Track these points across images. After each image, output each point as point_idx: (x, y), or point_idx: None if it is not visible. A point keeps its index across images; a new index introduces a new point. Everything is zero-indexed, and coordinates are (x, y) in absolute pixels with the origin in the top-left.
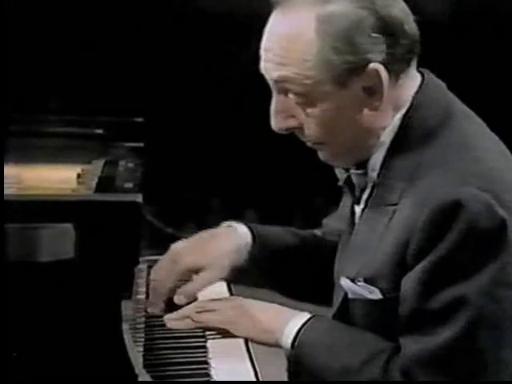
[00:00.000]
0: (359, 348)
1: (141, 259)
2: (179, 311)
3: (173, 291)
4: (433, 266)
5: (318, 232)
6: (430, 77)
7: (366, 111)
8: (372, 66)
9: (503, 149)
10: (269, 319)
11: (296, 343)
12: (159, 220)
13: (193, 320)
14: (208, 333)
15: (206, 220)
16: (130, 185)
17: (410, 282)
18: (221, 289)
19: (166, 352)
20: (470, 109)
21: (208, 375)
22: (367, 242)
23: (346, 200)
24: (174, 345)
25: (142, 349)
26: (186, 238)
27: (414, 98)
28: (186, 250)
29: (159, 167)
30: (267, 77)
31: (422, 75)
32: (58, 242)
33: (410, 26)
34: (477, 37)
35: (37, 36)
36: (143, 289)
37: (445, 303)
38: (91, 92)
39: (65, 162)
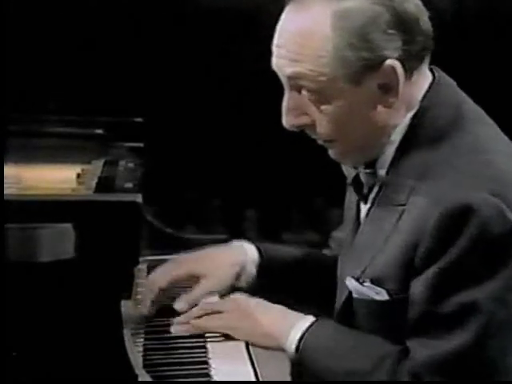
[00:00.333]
0: (366, 352)
1: (141, 259)
2: (181, 316)
3: (169, 297)
4: (443, 271)
5: (327, 252)
6: (441, 75)
7: (379, 108)
8: (388, 62)
9: None
10: (273, 323)
11: (300, 348)
12: (159, 220)
13: (195, 326)
14: (208, 334)
15: (206, 220)
16: (129, 185)
17: (419, 286)
18: None
19: (165, 352)
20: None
21: (208, 375)
22: (373, 241)
23: (351, 199)
24: (174, 345)
25: (141, 349)
26: (185, 238)
27: (425, 97)
28: (190, 256)
29: (159, 167)
30: (279, 73)
31: (433, 73)
32: (57, 242)
33: (425, 22)
34: (478, 36)
35: (37, 36)
36: (143, 289)
37: (455, 308)
38: (91, 92)
39: (65, 161)
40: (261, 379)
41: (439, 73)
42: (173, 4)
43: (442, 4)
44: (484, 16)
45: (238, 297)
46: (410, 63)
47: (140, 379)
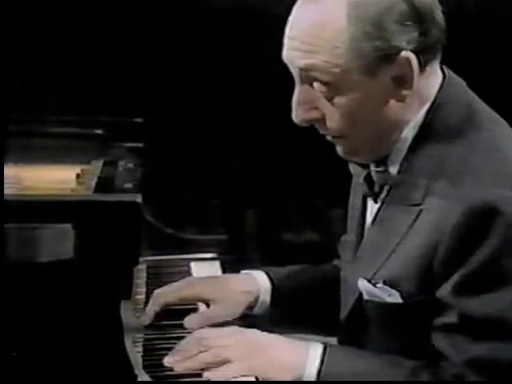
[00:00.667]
0: (396, 366)
1: (140, 259)
2: (183, 351)
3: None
4: (474, 273)
5: (337, 263)
6: (451, 74)
7: (392, 102)
8: (404, 54)
9: None
10: (284, 355)
11: (322, 375)
12: (159, 220)
13: (200, 361)
14: None
15: (205, 220)
16: (129, 185)
17: (449, 290)
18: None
19: (165, 352)
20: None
21: (199, 376)
22: (385, 242)
23: (355, 198)
24: (174, 345)
25: (141, 349)
26: (185, 238)
27: (437, 94)
28: (202, 280)
29: (158, 167)
30: (291, 66)
31: (442, 71)
32: (57, 242)
33: (439, 15)
34: (477, 36)
35: (36, 36)
36: (142, 289)
37: (488, 311)
38: (90, 92)
39: (64, 162)
40: (260, 379)
41: (448, 71)
42: (173, 4)
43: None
44: (484, 15)
45: (238, 330)
46: (425, 56)
47: (139, 379)
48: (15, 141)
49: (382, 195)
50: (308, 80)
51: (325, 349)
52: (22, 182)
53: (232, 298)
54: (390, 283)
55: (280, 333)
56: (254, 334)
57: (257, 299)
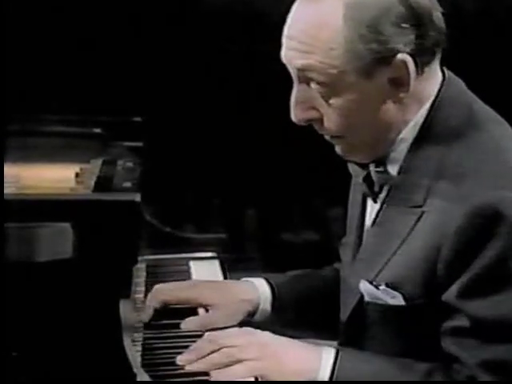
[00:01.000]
0: (409, 369)
1: (139, 259)
2: (195, 351)
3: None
4: (479, 276)
5: (338, 266)
6: (451, 74)
7: (389, 103)
8: (400, 56)
9: None
10: (296, 359)
11: (335, 375)
12: (158, 219)
13: (212, 362)
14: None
15: (205, 219)
16: (128, 184)
17: (456, 293)
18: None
19: (164, 351)
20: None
21: (207, 374)
22: (387, 244)
23: (355, 198)
24: (173, 344)
25: (140, 348)
26: (184, 237)
27: (437, 95)
28: (206, 284)
29: (158, 166)
30: (289, 65)
31: (442, 72)
32: (56, 241)
33: (438, 17)
34: (477, 35)
35: (36, 36)
36: (142, 288)
37: (496, 313)
38: (89, 91)
39: (63, 161)
40: (260, 378)
41: (448, 72)
42: (172, 3)
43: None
44: (483, 15)
45: (250, 331)
46: (422, 58)
47: (138, 378)
48: (14, 140)
49: (382, 195)
50: (305, 80)
51: (337, 354)
52: (20, 181)
53: (232, 306)
54: (392, 285)
55: (282, 335)
56: (267, 336)
57: (257, 307)
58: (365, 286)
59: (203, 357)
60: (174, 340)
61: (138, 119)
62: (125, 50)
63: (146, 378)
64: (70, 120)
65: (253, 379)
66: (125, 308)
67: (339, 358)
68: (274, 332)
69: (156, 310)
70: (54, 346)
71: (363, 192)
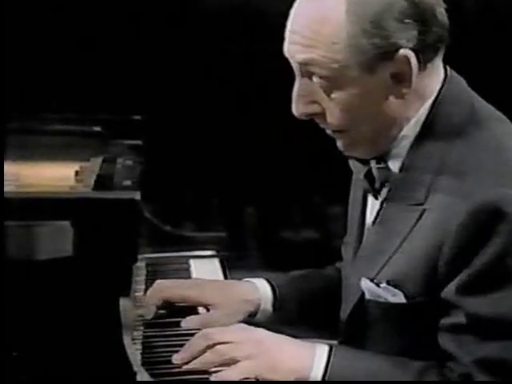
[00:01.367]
0: (402, 367)
1: (139, 257)
2: (189, 348)
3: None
4: (478, 273)
5: (340, 265)
6: (453, 72)
7: (391, 99)
8: (402, 52)
9: None
10: (290, 357)
11: (328, 377)
12: (157, 218)
13: (207, 361)
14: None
15: (204, 218)
16: (128, 182)
17: (454, 290)
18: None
19: (164, 350)
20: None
21: (207, 372)
22: (388, 241)
23: (355, 196)
24: (173, 342)
25: (140, 346)
26: (184, 235)
27: (439, 92)
28: (207, 283)
29: (157, 165)
30: (291, 60)
31: (445, 69)
32: (56, 239)
33: (441, 13)
34: (478, 33)
35: (35, 34)
36: (142, 286)
37: (495, 311)
38: (89, 90)
39: (63, 159)
40: None
41: (451, 70)
42: (171, 2)
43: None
44: (484, 12)
45: (244, 328)
46: (425, 54)
47: (138, 376)
48: (14, 138)
49: (383, 192)
50: (308, 74)
51: (330, 351)
52: (20, 179)
53: (233, 306)
54: (393, 283)
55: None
56: (261, 332)
57: (258, 308)
58: (366, 284)
59: (197, 355)
60: (174, 338)
61: (137, 117)
62: (124, 49)
63: (145, 376)
64: (70, 118)
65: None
66: (125, 306)
67: (332, 355)
68: (274, 330)
69: (157, 308)
70: (54, 344)
71: (364, 189)
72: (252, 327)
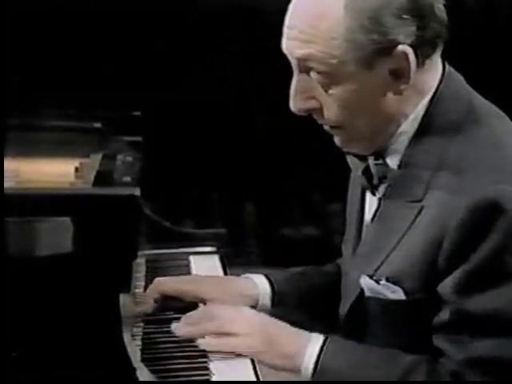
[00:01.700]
0: (393, 362)
1: (139, 253)
2: (189, 318)
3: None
4: (475, 269)
5: (340, 261)
6: (451, 69)
7: (389, 95)
8: (400, 48)
9: None
10: (286, 343)
11: (319, 367)
12: (157, 214)
13: (202, 329)
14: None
15: (204, 214)
16: (128, 179)
17: (449, 288)
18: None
19: (164, 346)
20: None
21: (207, 369)
22: (386, 238)
23: (353, 193)
24: (173, 339)
25: (139, 342)
26: (184, 232)
27: (437, 89)
28: (206, 279)
29: (157, 161)
30: (289, 56)
31: (443, 65)
32: (55, 235)
33: (440, 9)
34: (476, 31)
35: (35, 30)
36: (141, 283)
37: (489, 307)
38: (89, 86)
39: (63, 155)
40: (259, 372)
41: (449, 66)
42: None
43: None
44: (483, 9)
45: (247, 309)
46: (423, 50)
47: (138, 373)
48: (14, 134)
49: (381, 189)
50: (305, 70)
51: (325, 340)
52: (20, 175)
53: (231, 301)
54: (393, 280)
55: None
56: (261, 315)
57: (256, 303)
58: (365, 281)
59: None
60: (174, 334)
61: (137, 114)
62: (124, 46)
63: (145, 372)
64: (70, 114)
65: (245, 358)
66: (125, 302)
67: (326, 345)
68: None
69: (156, 304)
70: (54, 341)
71: (362, 185)
72: (253, 310)
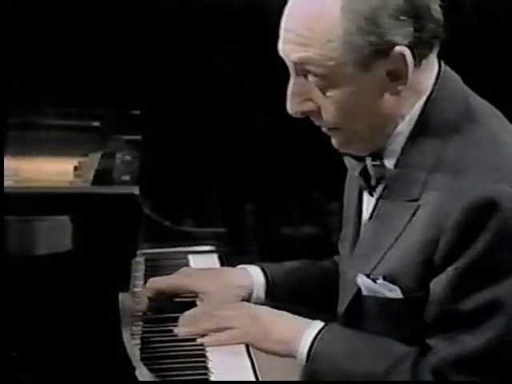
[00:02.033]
0: (383, 353)
1: (138, 252)
2: (188, 317)
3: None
4: (467, 267)
5: (337, 258)
6: (447, 68)
7: (387, 96)
8: (398, 49)
9: None
10: (283, 329)
11: (312, 353)
12: (157, 213)
13: (201, 327)
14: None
15: (203, 213)
16: (127, 177)
17: (441, 284)
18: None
19: (163, 345)
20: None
21: (206, 368)
22: (383, 237)
23: (350, 193)
24: (171, 337)
25: (139, 341)
26: (183, 231)
27: (433, 88)
28: (198, 271)
29: (156, 160)
30: (286, 59)
31: (439, 65)
32: (54, 234)
33: (436, 10)
34: (473, 29)
35: (34, 29)
36: (140, 282)
37: (479, 305)
38: (88, 85)
39: (62, 154)
40: (258, 370)
41: (445, 66)
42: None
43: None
44: (479, 8)
45: (244, 304)
46: (420, 51)
47: (137, 372)
48: (13, 133)
49: (379, 189)
50: (303, 72)
51: (323, 327)
52: (19, 174)
53: (225, 291)
54: (390, 279)
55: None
56: (258, 307)
57: (250, 294)
58: (362, 280)
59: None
60: (173, 333)
61: (136, 112)
62: (123, 44)
63: (144, 371)
64: (69, 113)
65: (242, 347)
66: (124, 301)
67: (321, 332)
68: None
69: (154, 302)
70: (52, 339)
71: (360, 186)
72: (251, 304)
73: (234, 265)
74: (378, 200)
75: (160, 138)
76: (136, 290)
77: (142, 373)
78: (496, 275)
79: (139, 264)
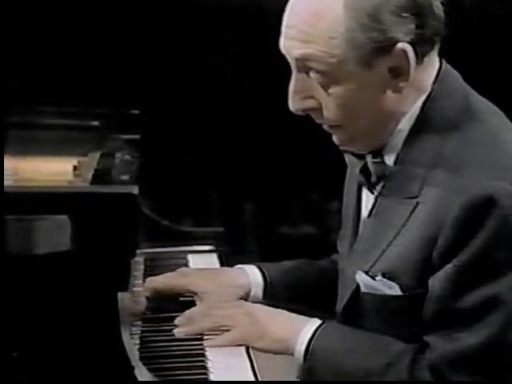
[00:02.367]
0: (381, 350)
1: (138, 252)
2: (187, 317)
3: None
4: (465, 264)
5: (335, 257)
6: (447, 66)
7: (389, 93)
8: (400, 45)
9: None
10: (280, 328)
11: (309, 351)
12: (156, 213)
13: (200, 327)
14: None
15: (203, 213)
16: (126, 177)
17: (439, 281)
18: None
19: (162, 344)
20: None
21: (205, 367)
22: (382, 234)
23: (350, 190)
24: (171, 337)
25: (138, 341)
26: (182, 230)
27: (434, 86)
28: (196, 271)
29: (156, 159)
30: (288, 55)
31: (440, 62)
32: (54, 233)
33: (437, 7)
34: (473, 28)
35: (34, 29)
36: (140, 281)
37: (477, 302)
38: (88, 84)
39: (61, 154)
40: (257, 370)
41: (445, 63)
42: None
43: None
44: (479, 7)
45: (241, 303)
46: (422, 48)
47: (136, 371)
48: (12, 133)
49: (379, 186)
50: (304, 69)
51: (319, 326)
52: (18, 173)
53: (223, 291)
54: (389, 276)
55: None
56: (255, 306)
57: (248, 293)
58: (361, 277)
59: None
60: (172, 333)
61: (135, 112)
62: (123, 43)
63: (143, 370)
64: (68, 113)
65: (241, 348)
66: (123, 301)
67: (319, 330)
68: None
69: (153, 302)
70: (51, 338)
71: (360, 183)
72: (249, 303)
73: (233, 264)
74: (377, 197)
75: (159, 138)
76: (135, 289)
77: (141, 372)
78: (494, 272)
79: (138, 263)
